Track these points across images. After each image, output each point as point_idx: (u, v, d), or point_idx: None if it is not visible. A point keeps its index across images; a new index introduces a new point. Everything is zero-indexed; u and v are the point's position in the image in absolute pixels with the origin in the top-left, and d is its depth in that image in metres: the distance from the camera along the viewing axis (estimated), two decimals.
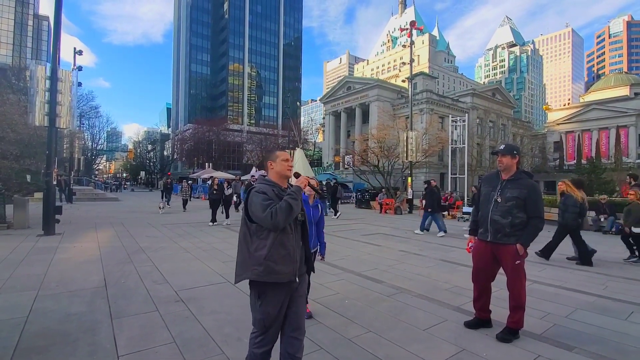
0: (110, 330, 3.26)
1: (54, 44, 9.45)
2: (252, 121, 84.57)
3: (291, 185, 2.26)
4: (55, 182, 9.63)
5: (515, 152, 3.38)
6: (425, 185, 10.92)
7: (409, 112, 19.82)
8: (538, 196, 3.27)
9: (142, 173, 69.10)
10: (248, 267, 2.11)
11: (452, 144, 22.48)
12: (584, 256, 6.78)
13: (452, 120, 22.36)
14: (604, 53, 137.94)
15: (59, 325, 3.37)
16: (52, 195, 9.19)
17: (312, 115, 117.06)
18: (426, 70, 75.36)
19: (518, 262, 3.22)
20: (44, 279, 4.90)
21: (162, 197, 21.42)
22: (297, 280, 2.22)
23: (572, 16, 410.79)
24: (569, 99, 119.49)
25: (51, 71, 9.00)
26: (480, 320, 3.50)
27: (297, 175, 2.36)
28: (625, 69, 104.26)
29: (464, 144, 21.51)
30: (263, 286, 2.12)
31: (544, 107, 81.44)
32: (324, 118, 63.78)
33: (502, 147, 3.44)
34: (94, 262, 5.93)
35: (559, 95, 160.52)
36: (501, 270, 3.41)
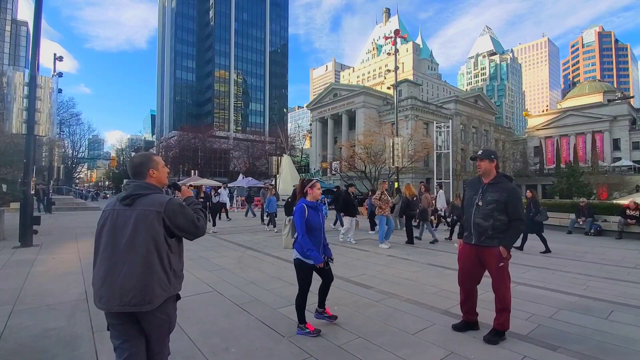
0: (91, 345, 3.14)
1: (33, 49, 9.20)
2: (239, 128, 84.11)
3: (168, 192, 2.29)
4: (33, 192, 9.30)
5: (492, 156, 3.49)
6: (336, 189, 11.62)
7: (394, 118, 20.11)
8: (517, 199, 3.36)
9: (125, 181, 67.55)
10: (169, 285, 1.94)
11: (437, 150, 22.92)
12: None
13: (437, 127, 22.82)
14: (578, 62, 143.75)
15: (36, 341, 3.23)
16: (29, 205, 8.85)
17: (299, 121, 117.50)
18: (410, 78, 76.75)
19: (502, 264, 3.28)
20: (20, 293, 4.69)
21: None
22: None
23: (549, 26, 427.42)
24: (547, 106, 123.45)
25: (30, 77, 8.75)
26: (468, 323, 3.54)
27: (177, 186, 2.40)
28: (598, 77, 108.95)
29: (448, 149, 21.95)
30: (177, 296, 2.08)
31: (523, 113, 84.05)
32: (310, 124, 64.00)
33: (480, 152, 3.57)
34: (74, 274, 5.71)
35: (538, 102, 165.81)
36: (487, 272, 3.46)
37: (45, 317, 3.84)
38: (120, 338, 1.91)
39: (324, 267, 3.50)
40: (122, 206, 1.95)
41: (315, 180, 3.64)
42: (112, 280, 1.85)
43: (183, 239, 2.08)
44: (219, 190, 15.42)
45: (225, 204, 16.19)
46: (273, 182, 15.56)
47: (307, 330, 3.39)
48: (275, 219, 12.46)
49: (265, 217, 13.75)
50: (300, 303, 3.44)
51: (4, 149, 19.52)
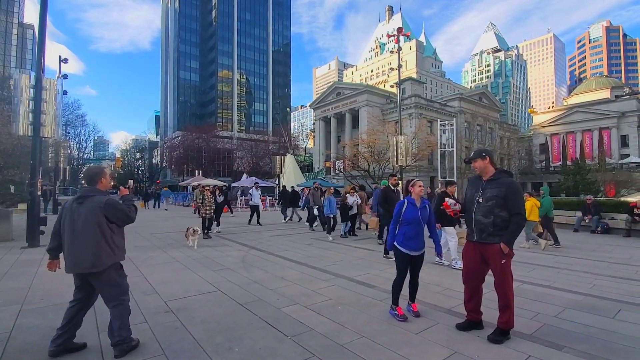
0: (97, 344, 3.17)
1: (39, 52, 9.30)
2: (242, 128, 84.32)
3: (113, 192, 3.61)
4: (39, 193, 9.41)
5: (483, 154, 3.51)
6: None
7: (398, 116, 20.03)
8: (517, 193, 3.34)
9: (130, 182, 68.05)
10: (114, 255, 2.97)
11: (441, 148, 22.79)
12: None
13: (441, 125, 22.69)
14: (585, 57, 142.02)
15: (44, 340, 3.26)
16: (36, 206, 8.97)
17: (303, 121, 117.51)
18: (414, 76, 76.32)
19: (504, 261, 3.26)
20: (28, 293, 4.76)
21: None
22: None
23: (555, 22, 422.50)
24: (553, 102, 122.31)
25: (35, 80, 8.83)
26: (472, 322, 3.53)
27: (118, 187, 3.41)
28: (605, 73, 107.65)
29: (452, 147, 21.81)
30: (119, 264, 3.07)
31: (529, 110, 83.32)
32: (314, 124, 64.01)
33: (472, 154, 3.62)
34: None
35: (543, 99, 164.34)
36: (489, 272, 3.45)
37: (52, 316, 3.88)
38: (79, 292, 3.03)
39: (417, 260, 3.89)
40: (76, 204, 2.94)
41: (416, 179, 4.08)
42: (73, 253, 2.87)
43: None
44: (251, 191, 14.93)
45: (258, 206, 14.58)
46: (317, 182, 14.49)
47: (396, 312, 3.82)
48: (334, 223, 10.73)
49: (309, 220, 12.93)
50: (396, 287, 3.90)
51: (12, 151, 19.76)
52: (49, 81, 9.19)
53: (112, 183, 3.31)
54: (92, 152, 71.23)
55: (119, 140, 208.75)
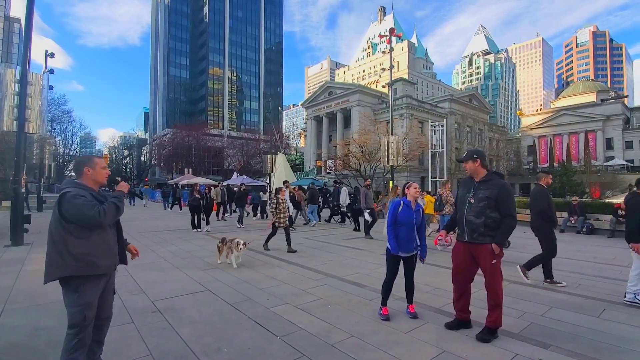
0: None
1: (25, 46, 9.06)
2: (233, 126, 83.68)
3: (109, 189, 2.65)
4: (23, 190, 9.18)
5: (475, 156, 3.54)
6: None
7: (389, 117, 20.13)
8: (508, 195, 3.39)
9: (118, 179, 66.89)
10: (65, 265, 2.23)
11: (431, 148, 23.02)
12: None
13: (432, 125, 22.91)
14: (572, 61, 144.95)
15: (26, 340, 3.19)
16: (20, 203, 8.75)
17: (294, 119, 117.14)
18: (405, 77, 76.84)
19: (495, 261, 3.30)
20: (11, 292, 4.64)
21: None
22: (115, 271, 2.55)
23: (545, 26, 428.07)
24: (541, 105, 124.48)
25: (21, 74, 8.63)
26: (460, 322, 3.56)
27: (116, 181, 2.67)
28: (592, 77, 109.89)
29: (443, 148, 22.06)
30: (83, 279, 2.29)
31: (517, 112, 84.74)
32: (305, 123, 63.89)
33: (464, 154, 3.66)
34: None
35: (532, 101, 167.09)
36: (479, 271, 3.48)
37: (36, 316, 3.80)
38: None
39: (409, 261, 3.89)
40: None
41: (411, 182, 4.05)
42: None
43: (105, 227, 2.40)
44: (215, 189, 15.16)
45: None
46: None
47: (380, 312, 3.86)
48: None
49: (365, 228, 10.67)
50: (385, 288, 3.91)
51: None
52: (34, 76, 8.99)
53: (106, 175, 2.58)
54: (78, 148, 69.81)
55: (106, 137, 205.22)
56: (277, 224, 7.99)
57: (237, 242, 6.28)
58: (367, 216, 10.44)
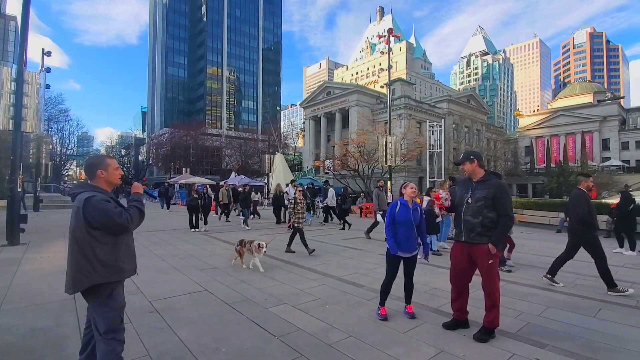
0: (79, 345, 3.08)
1: (21, 44, 9.01)
2: (232, 125, 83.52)
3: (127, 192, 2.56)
4: (19, 189, 9.14)
5: (471, 157, 3.57)
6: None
7: (387, 117, 20.16)
8: (505, 195, 3.40)
9: (130, 179, 66.69)
10: (95, 272, 2.18)
11: (429, 149, 23.05)
12: None
13: (430, 126, 22.95)
14: (569, 62, 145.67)
15: (23, 340, 3.18)
16: (16, 203, 8.70)
17: (292, 119, 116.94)
18: (404, 77, 76.96)
19: (491, 261, 3.32)
20: (7, 292, 4.61)
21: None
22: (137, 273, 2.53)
23: (542, 27, 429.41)
24: (538, 106, 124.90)
25: (17, 73, 8.56)
26: (458, 322, 3.57)
27: (129, 181, 2.67)
28: (589, 78, 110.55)
29: (441, 148, 22.10)
30: (115, 284, 2.29)
31: (515, 113, 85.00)
32: (304, 123, 63.86)
33: (460, 157, 3.69)
34: (62, 273, 5.57)
35: (529, 102, 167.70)
36: (476, 272, 3.50)
37: (33, 316, 3.78)
38: (89, 312, 2.34)
39: (409, 262, 3.90)
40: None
41: (408, 182, 4.08)
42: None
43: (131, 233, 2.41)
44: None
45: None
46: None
47: (378, 312, 3.87)
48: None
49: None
50: (384, 288, 3.91)
51: None
52: (30, 74, 8.95)
53: (119, 176, 2.45)
54: (75, 148, 69.40)
55: (104, 136, 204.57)
56: (296, 224, 7.76)
57: (259, 244, 5.94)
58: (379, 218, 10.11)
